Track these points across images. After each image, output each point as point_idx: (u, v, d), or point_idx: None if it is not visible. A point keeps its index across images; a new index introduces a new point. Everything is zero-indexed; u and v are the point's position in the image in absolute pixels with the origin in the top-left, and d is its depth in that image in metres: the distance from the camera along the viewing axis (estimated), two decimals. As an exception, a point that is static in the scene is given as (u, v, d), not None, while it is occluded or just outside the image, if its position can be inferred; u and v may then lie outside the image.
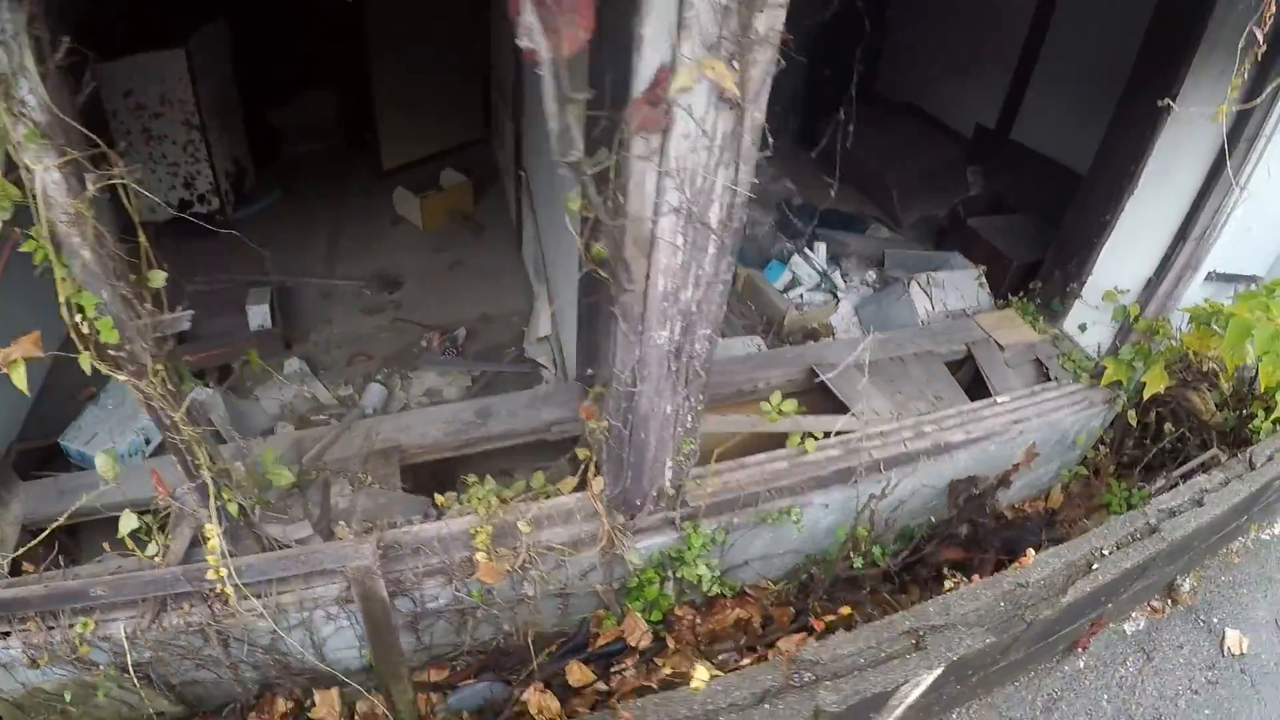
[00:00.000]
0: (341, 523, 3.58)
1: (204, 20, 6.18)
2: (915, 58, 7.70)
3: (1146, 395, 4.71)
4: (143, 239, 2.40)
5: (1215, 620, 4.62)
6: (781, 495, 3.78)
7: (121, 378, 2.51)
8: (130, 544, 3.02)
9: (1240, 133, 4.21)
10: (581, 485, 3.60)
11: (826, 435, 3.97)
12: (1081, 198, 4.94)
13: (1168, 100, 3.58)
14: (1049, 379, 4.85)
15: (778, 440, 3.95)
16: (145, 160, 6.12)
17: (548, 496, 3.62)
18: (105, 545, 3.28)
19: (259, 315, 5.36)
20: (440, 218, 6.33)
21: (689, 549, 3.68)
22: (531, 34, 1.81)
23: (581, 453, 3.57)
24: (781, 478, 3.78)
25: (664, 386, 3.06)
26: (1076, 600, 3.07)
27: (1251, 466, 4.35)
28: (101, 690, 3.50)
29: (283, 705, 3.93)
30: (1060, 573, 3.11)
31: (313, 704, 3.85)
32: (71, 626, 3.27)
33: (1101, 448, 5.25)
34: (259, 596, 3.38)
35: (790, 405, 3.63)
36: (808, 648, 2.57)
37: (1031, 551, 3.19)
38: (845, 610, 3.64)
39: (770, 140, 2.62)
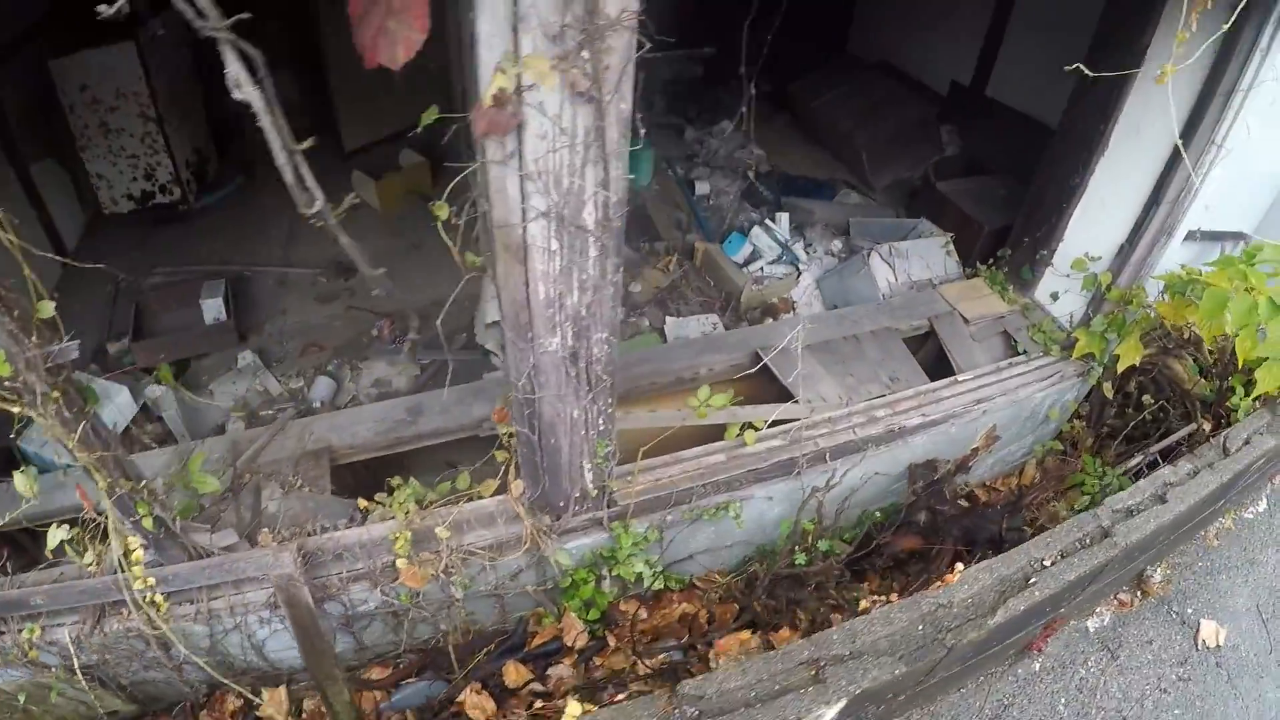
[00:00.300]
0: (265, 530, 3.48)
1: (156, 11, 5.99)
2: (888, 15, 7.23)
3: (1120, 368, 4.41)
4: (27, 271, 2.30)
5: (1190, 611, 4.29)
6: (718, 490, 3.54)
7: (16, 409, 2.40)
8: (69, 552, 3.00)
9: (1215, 88, 3.90)
10: (503, 488, 3.43)
11: (772, 425, 3.75)
12: (1050, 159, 4.58)
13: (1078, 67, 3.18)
14: (1018, 352, 4.56)
15: (719, 431, 3.73)
16: (105, 154, 5.98)
17: (470, 500, 3.45)
18: (49, 553, 3.24)
19: (213, 309, 5.22)
20: (398, 200, 6.09)
21: (620, 548, 3.51)
22: (241, 85, 1.57)
23: (500, 455, 3.38)
24: (718, 472, 3.54)
25: (566, 392, 2.85)
26: (1010, 619, 2.80)
27: (1225, 453, 4.01)
28: (55, 691, 3.50)
29: (232, 703, 3.89)
30: (991, 589, 2.80)
31: (261, 702, 3.79)
32: (20, 631, 3.26)
33: (1078, 421, 4.97)
34: (191, 603, 3.34)
35: (720, 399, 3.38)
36: (690, 681, 2.37)
37: (959, 566, 2.90)
38: (744, 635, 3.44)
39: (643, 131, 2.38)
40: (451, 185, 2.60)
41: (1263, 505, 5.03)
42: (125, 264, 5.79)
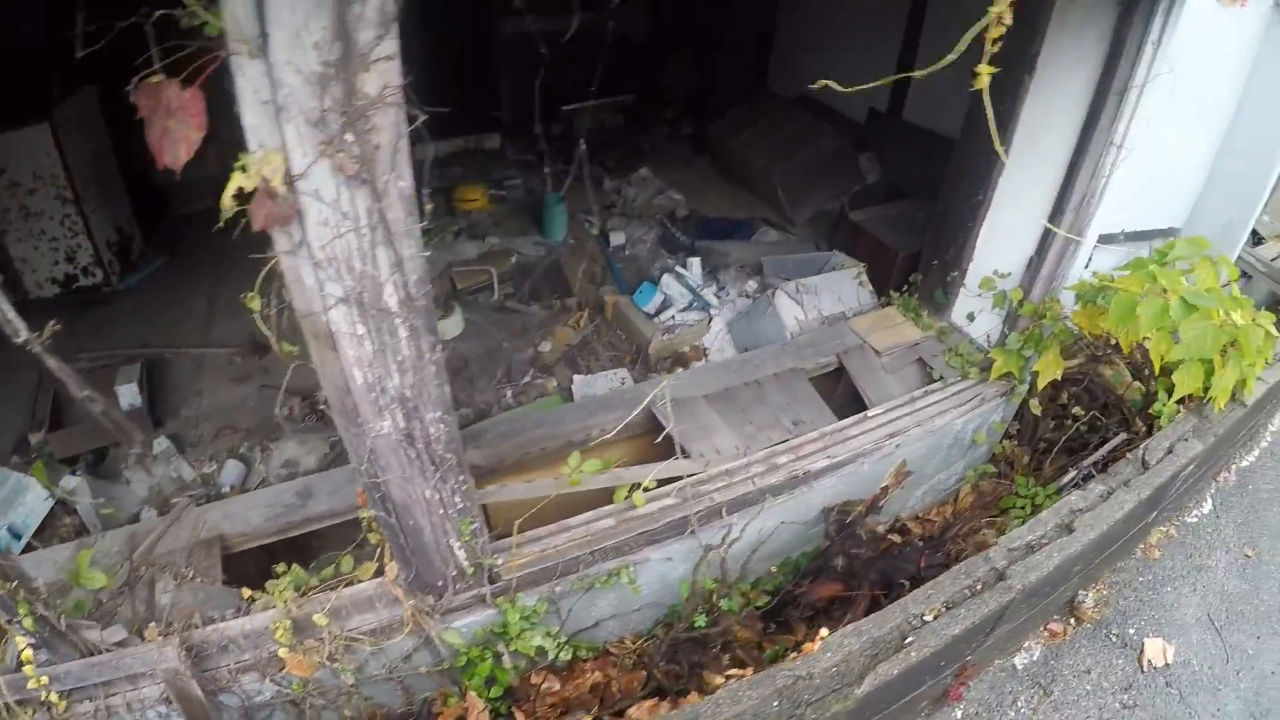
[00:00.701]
0: (152, 624, 3.39)
1: (69, 91, 5.98)
2: (805, 49, 7.18)
3: (1041, 384, 4.32)
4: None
5: (1131, 631, 4.09)
6: (608, 556, 3.41)
7: None
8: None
9: (1108, 87, 3.83)
10: (382, 571, 3.32)
11: (665, 483, 3.62)
12: (952, 178, 4.49)
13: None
14: (934, 379, 4.42)
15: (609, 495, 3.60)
16: (26, 237, 5.95)
17: (348, 585, 3.34)
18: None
19: (128, 395, 5.13)
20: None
21: (510, 624, 3.38)
22: None
23: (373, 538, 3.28)
24: (608, 537, 3.40)
25: (411, 474, 2.76)
26: (884, 684, 2.61)
27: (1145, 466, 3.87)
28: (-22, 795, 3.39)
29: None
30: (861, 654, 2.62)
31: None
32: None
33: (1009, 441, 4.83)
34: (90, 700, 3.21)
35: (593, 464, 3.26)
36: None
37: (825, 631, 2.74)
38: (650, 704, 3.28)
39: (429, 207, 2.30)
40: (261, 274, 2.52)
41: (1207, 507, 4.88)
42: (51, 349, 5.72)
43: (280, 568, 3.45)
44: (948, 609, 2.85)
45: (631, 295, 5.21)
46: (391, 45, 1.90)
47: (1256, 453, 5.34)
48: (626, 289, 5.37)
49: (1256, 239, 6.65)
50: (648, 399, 3.45)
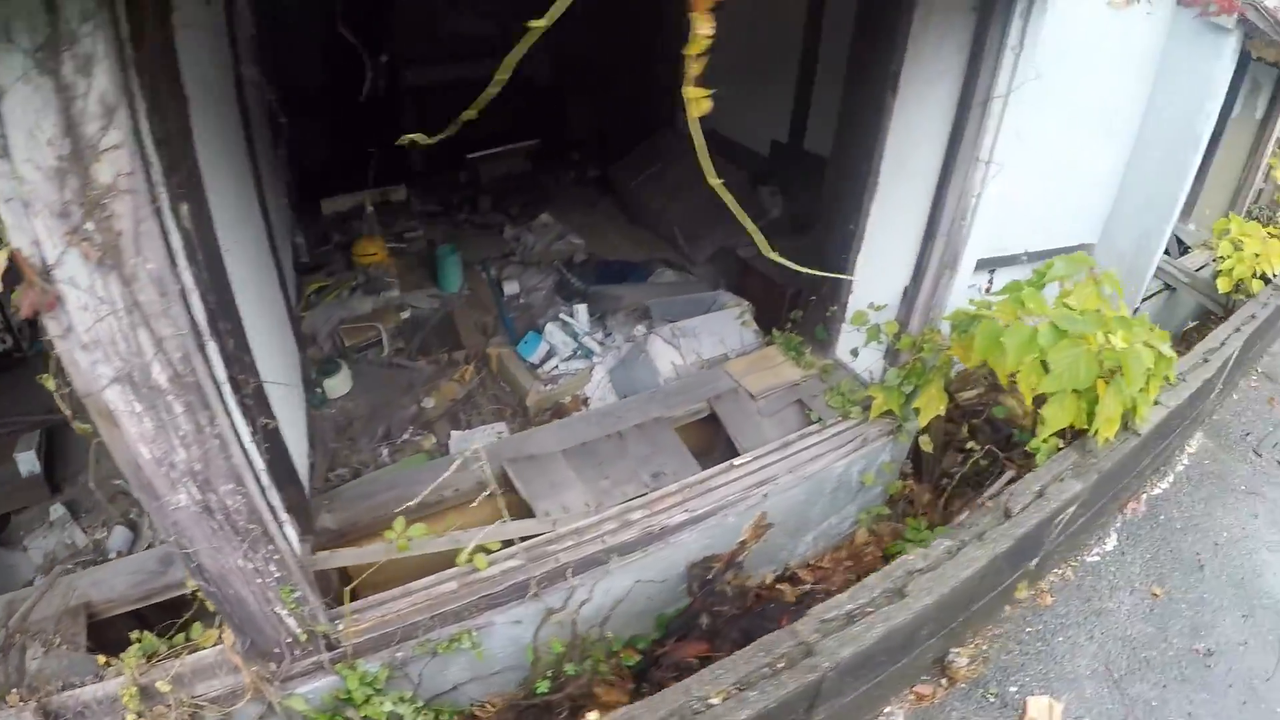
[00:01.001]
0: (14, 690, 3.60)
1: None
2: (710, 84, 7.42)
3: (924, 421, 4.41)
4: None
5: (1013, 689, 4.00)
6: (449, 621, 3.59)
7: None
8: None
9: (970, 99, 3.89)
10: (222, 638, 3.51)
11: (509, 544, 3.79)
12: (826, 207, 4.68)
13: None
14: (812, 421, 4.59)
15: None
16: (-63, 304, 6.25)
17: (193, 652, 3.54)
18: None
19: (27, 461, 5.39)
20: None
21: (353, 690, 3.55)
22: None
23: (211, 605, 3.48)
24: (449, 601, 3.58)
25: (219, 544, 2.98)
26: None
27: (1007, 515, 3.89)
28: None
29: None
30: None
31: None
32: None
33: (904, 480, 4.97)
34: None
35: (419, 529, 3.47)
36: None
37: (593, 715, 2.81)
38: None
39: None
40: (52, 355, 2.76)
41: (1111, 543, 4.88)
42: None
43: (135, 634, 3.66)
44: (740, 691, 2.79)
45: (516, 345, 5.42)
46: (118, 134, 2.16)
47: (1170, 479, 5.39)
48: (516, 339, 5.57)
49: (1183, 249, 6.77)
50: (456, 461, 3.64)
